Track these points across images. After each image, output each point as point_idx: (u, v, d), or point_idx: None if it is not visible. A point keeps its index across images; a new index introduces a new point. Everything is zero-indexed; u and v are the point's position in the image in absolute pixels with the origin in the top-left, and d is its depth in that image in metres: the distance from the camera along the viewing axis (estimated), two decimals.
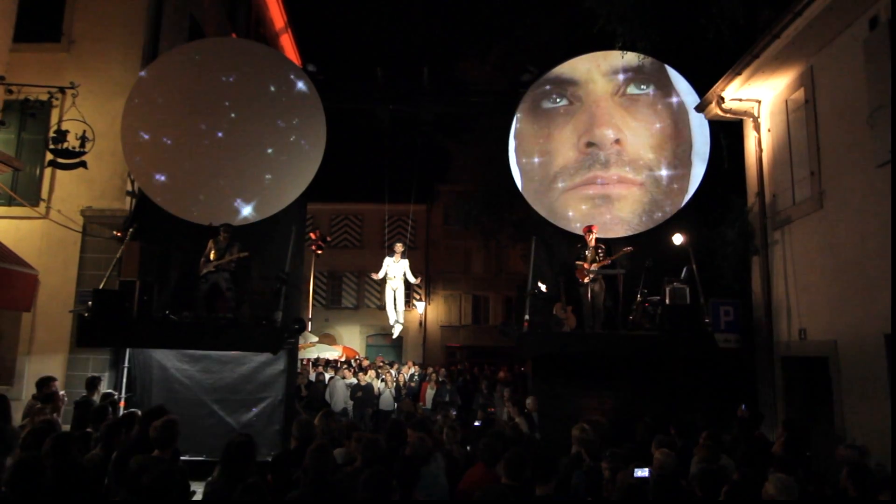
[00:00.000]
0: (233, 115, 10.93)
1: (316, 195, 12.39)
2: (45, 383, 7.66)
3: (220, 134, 10.90)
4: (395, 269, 11.41)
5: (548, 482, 4.27)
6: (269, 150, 10.91)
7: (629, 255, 9.91)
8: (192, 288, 9.80)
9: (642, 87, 11.32)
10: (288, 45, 20.39)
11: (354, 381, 14.46)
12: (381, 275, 11.42)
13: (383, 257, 11.58)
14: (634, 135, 11.18)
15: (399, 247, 11.49)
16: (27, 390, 9.28)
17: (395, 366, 18.71)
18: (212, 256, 9.68)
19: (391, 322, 11.77)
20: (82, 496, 4.27)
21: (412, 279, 11.57)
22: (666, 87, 11.27)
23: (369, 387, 14.31)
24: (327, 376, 15.56)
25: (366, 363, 17.96)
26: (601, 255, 9.94)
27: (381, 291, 12.53)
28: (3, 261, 8.89)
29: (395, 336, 12.55)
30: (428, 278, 29.02)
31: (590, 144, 11.23)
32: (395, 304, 11.55)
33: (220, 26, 14.85)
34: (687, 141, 11.06)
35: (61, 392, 7.85)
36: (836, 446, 7.05)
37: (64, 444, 4.58)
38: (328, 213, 30.36)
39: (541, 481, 4.27)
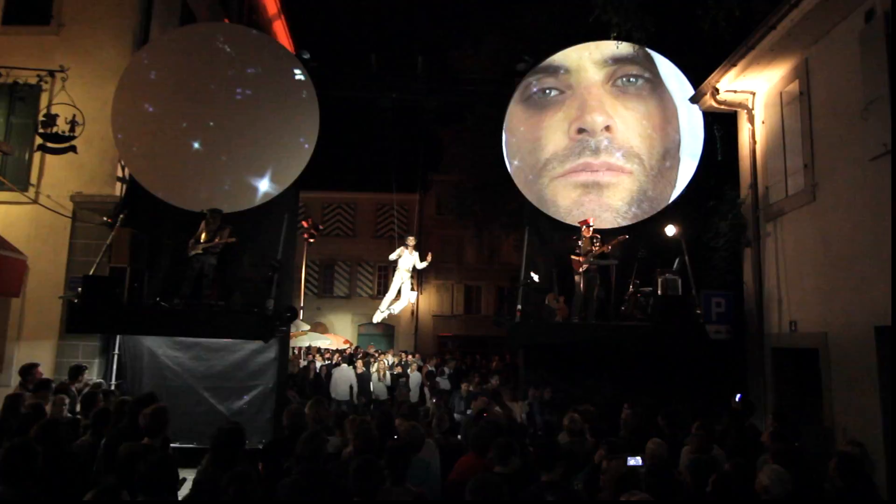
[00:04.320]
0: (225, 99, 10.83)
1: (308, 183, 12.33)
2: (28, 371, 7.56)
3: (211, 123, 10.80)
4: (407, 262, 11.95)
5: (552, 469, 4.28)
6: (262, 137, 10.83)
7: (623, 245, 9.87)
8: (182, 275, 9.72)
9: (633, 77, 11.31)
10: (281, 31, 20.20)
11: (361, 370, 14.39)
12: (393, 256, 12.04)
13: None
14: (624, 123, 11.20)
15: (411, 240, 12.27)
16: (16, 377, 9.23)
17: (390, 353, 18.68)
18: (202, 238, 9.61)
19: (382, 308, 12.16)
20: (71, 482, 4.25)
21: (420, 265, 12.09)
22: (657, 79, 11.27)
23: (364, 375, 14.26)
24: (318, 364, 15.51)
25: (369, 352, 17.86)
26: (597, 244, 9.84)
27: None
28: None
29: (375, 321, 12.88)
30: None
31: (581, 131, 11.25)
32: (397, 293, 11.98)
33: (213, 11, 14.68)
34: (676, 133, 11.08)
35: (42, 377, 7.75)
36: (824, 437, 7.12)
37: (51, 431, 4.55)
38: (320, 202, 30.24)
39: (545, 468, 4.28)
